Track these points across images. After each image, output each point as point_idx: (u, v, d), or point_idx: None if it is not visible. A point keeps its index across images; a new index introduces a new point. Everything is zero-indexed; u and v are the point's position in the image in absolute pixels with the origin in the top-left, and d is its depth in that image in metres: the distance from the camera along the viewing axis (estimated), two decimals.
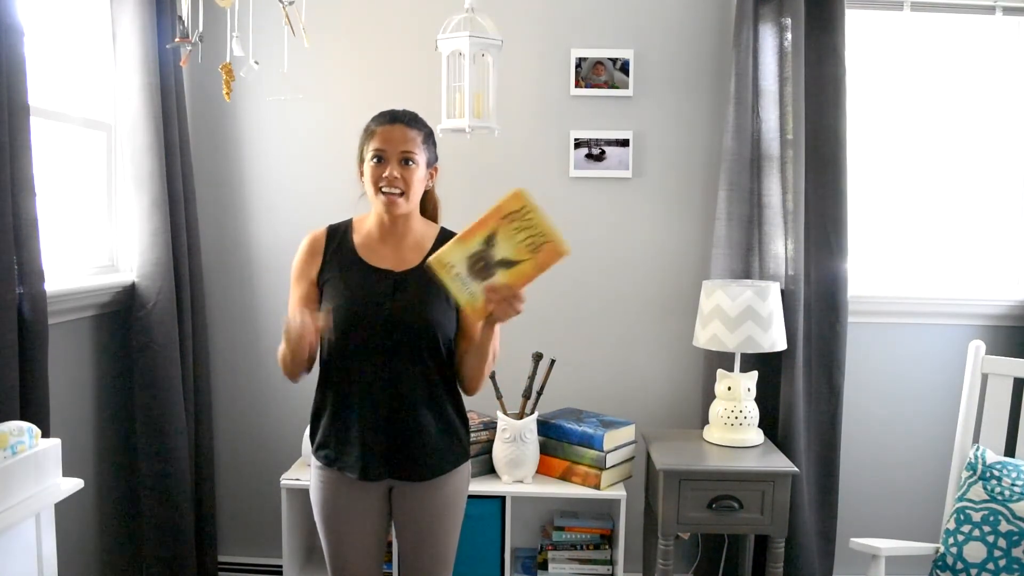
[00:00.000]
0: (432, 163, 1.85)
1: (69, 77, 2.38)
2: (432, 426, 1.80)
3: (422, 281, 1.76)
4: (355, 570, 1.87)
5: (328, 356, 1.81)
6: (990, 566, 2.14)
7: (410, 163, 1.76)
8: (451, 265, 1.60)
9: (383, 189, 1.75)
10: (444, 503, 1.87)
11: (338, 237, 1.86)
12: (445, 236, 1.85)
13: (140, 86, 2.43)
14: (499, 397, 2.60)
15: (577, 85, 2.78)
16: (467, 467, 1.92)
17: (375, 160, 1.76)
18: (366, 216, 1.87)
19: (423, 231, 1.86)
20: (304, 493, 2.78)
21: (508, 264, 1.60)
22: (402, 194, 1.76)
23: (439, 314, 1.78)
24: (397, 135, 1.76)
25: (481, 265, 1.60)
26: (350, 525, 1.85)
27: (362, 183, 1.83)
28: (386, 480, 1.83)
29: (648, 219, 2.85)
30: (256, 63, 2.09)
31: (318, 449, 1.86)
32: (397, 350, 1.76)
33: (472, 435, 1.85)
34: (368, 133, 1.80)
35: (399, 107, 1.86)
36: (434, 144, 1.86)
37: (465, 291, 1.62)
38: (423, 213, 1.92)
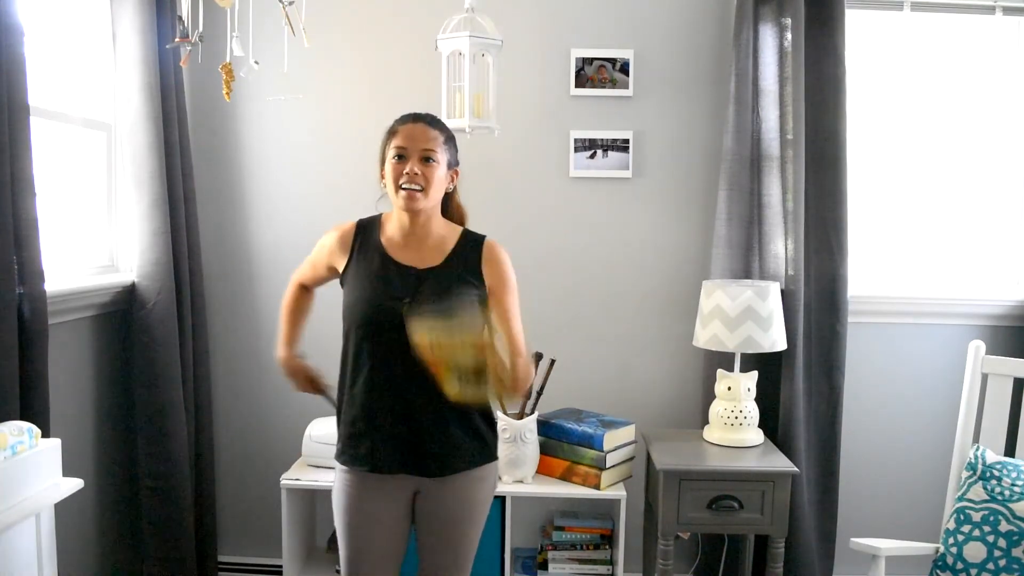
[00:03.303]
0: (453, 165, 1.86)
1: (69, 77, 2.38)
2: (452, 423, 1.79)
3: (443, 278, 1.79)
4: (372, 574, 1.85)
5: (349, 350, 1.82)
6: (990, 566, 2.14)
7: (431, 161, 1.77)
8: (460, 396, 1.64)
9: (403, 185, 1.76)
10: (468, 505, 1.85)
11: (365, 232, 1.88)
12: (467, 237, 1.87)
13: (140, 86, 2.43)
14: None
15: (582, 85, 2.78)
16: (492, 469, 1.90)
17: (396, 158, 1.78)
18: (391, 214, 1.88)
19: (445, 233, 1.86)
20: (304, 493, 2.79)
21: (478, 380, 1.62)
22: (422, 190, 1.76)
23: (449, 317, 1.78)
24: (418, 133, 1.78)
25: (473, 377, 1.62)
26: (372, 529, 1.83)
27: (382, 185, 1.84)
28: (403, 476, 1.81)
29: (648, 219, 2.85)
30: (256, 63, 2.08)
31: (345, 447, 1.86)
32: (397, 342, 1.74)
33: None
34: (390, 133, 1.83)
35: (407, 108, 1.88)
36: (455, 147, 1.87)
37: (492, 392, 1.65)
38: (447, 215, 1.91)
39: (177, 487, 2.55)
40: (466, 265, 1.84)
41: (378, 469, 1.80)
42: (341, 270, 1.87)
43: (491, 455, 1.88)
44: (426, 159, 1.77)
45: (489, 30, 2.40)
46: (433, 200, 1.80)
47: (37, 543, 1.67)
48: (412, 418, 1.78)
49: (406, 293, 1.77)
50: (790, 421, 2.66)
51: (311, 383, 2.04)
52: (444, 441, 1.79)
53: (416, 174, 1.75)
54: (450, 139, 1.85)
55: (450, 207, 1.93)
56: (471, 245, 1.87)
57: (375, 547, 1.84)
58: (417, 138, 1.77)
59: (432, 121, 1.83)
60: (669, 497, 2.35)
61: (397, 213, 1.83)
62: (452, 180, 1.87)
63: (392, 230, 1.86)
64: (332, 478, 2.57)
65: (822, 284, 2.70)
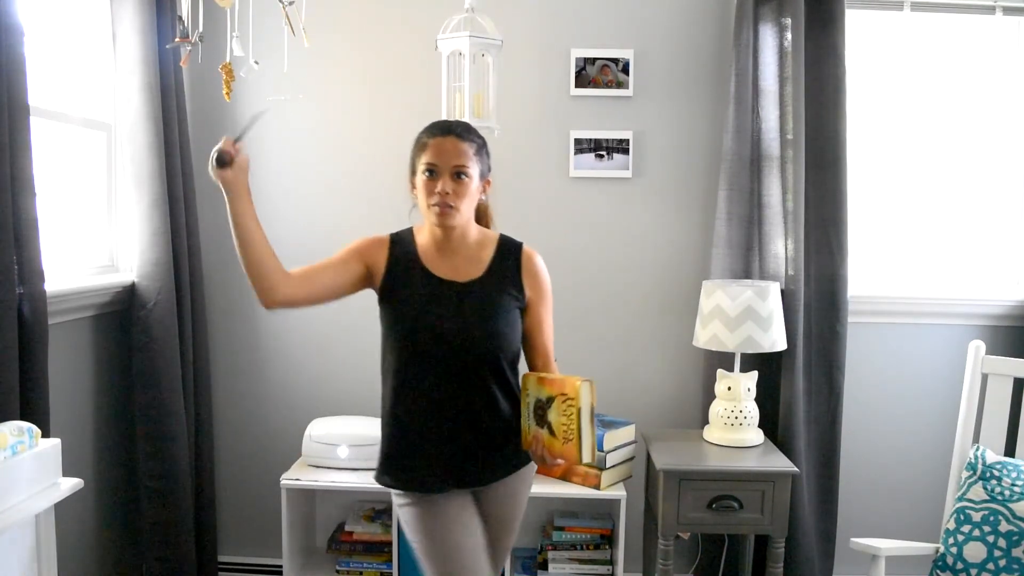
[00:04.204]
0: (485, 174, 1.82)
1: (69, 77, 2.39)
2: (495, 435, 1.79)
3: (485, 292, 1.78)
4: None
5: (391, 369, 1.79)
6: (990, 566, 2.14)
7: (463, 176, 1.73)
8: (527, 393, 1.74)
9: (435, 203, 1.73)
10: (514, 504, 1.90)
11: (400, 246, 1.83)
12: (504, 245, 1.85)
13: (140, 86, 2.43)
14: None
15: (584, 85, 2.77)
16: (532, 467, 1.93)
17: (427, 174, 1.73)
18: (423, 226, 1.85)
19: (481, 240, 1.84)
20: (304, 493, 2.79)
21: (550, 430, 1.67)
22: (453, 207, 1.73)
23: (504, 325, 1.78)
24: (449, 148, 1.72)
25: (540, 413, 1.69)
26: (455, 534, 1.78)
27: (413, 195, 1.81)
28: (459, 489, 1.81)
29: (648, 219, 2.85)
30: (256, 63, 2.09)
31: (388, 468, 1.82)
32: (463, 360, 1.75)
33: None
34: (420, 145, 1.77)
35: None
36: (487, 154, 1.82)
37: (525, 421, 1.75)
38: (477, 222, 1.89)
39: (177, 487, 2.55)
40: (507, 277, 1.82)
41: (431, 490, 1.78)
42: (379, 283, 1.80)
43: (528, 457, 1.87)
44: (457, 175, 1.73)
45: (489, 30, 2.40)
46: (466, 214, 1.77)
47: (37, 543, 1.67)
48: (459, 436, 1.77)
49: (449, 310, 1.75)
50: (790, 421, 2.66)
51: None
52: (491, 453, 1.80)
53: (447, 193, 1.72)
54: (482, 148, 1.80)
55: (480, 211, 1.90)
56: (510, 254, 1.85)
57: (467, 549, 1.79)
58: (448, 154, 1.72)
59: (463, 133, 1.76)
60: (669, 497, 2.35)
61: (430, 226, 1.80)
62: (484, 190, 1.84)
63: (427, 243, 1.82)
64: (331, 478, 2.60)
65: (822, 284, 2.70)
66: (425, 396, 1.76)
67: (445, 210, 1.72)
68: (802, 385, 2.68)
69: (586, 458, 1.62)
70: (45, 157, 2.18)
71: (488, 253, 1.83)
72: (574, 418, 1.61)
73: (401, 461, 1.81)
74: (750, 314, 2.43)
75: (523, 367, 1.88)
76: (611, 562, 2.67)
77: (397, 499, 1.84)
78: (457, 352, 1.74)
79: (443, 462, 1.78)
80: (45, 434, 1.84)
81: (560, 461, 1.69)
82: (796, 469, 2.37)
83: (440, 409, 1.76)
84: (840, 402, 2.73)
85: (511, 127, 2.71)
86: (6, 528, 1.53)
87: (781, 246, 2.68)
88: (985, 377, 2.40)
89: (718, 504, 2.35)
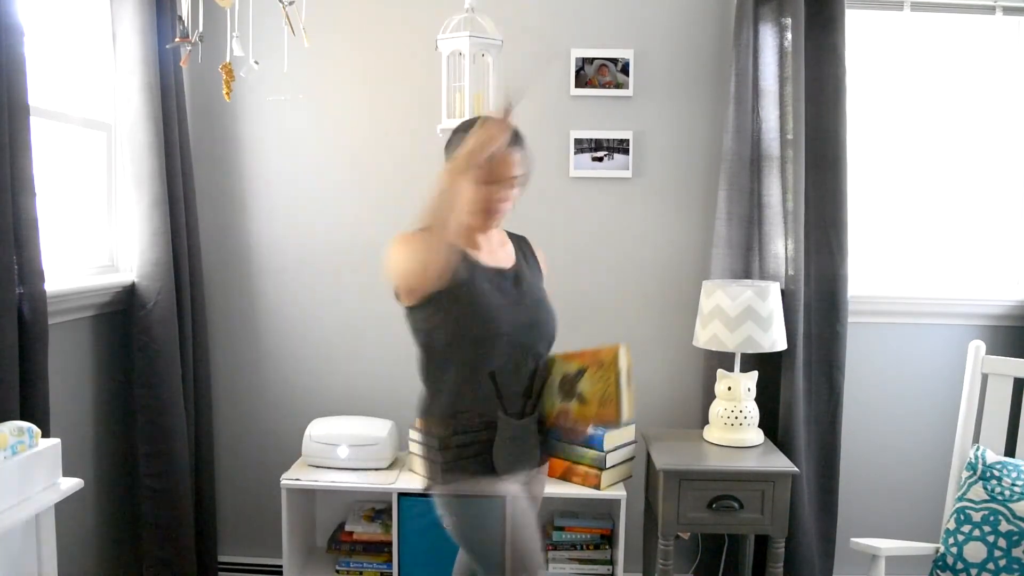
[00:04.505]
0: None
1: (69, 77, 2.39)
2: (545, 414, 1.86)
3: (530, 277, 1.88)
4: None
5: (455, 360, 1.77)
6: (990, 566, 2.14)
7: (517, 185, 1.82)
8: (550, 373, 1.83)
9: (487, 208, 1.79)
10: (543, 486, 2.03)
11: None
12: (513, 235, 1.97)
13: (140, 86, 2.43)
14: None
15: (584, 85, 2.77)
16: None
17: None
18: None
19: (499, 234, 1.93)
20: (304, 493, 2.78)
21: (581, 400, 1.76)
22: (501, 213, 1.82)
23: (551, 306, 1.90)
24: (511, 160, 1.78)
25: (568, 387, 1.77)
26: (526, 512, 1.83)
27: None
28: (522, 473, 1.85)
29: (648, 219, 2.85)
30: (256, 63, 2.09)
31: (451, 460, 1.78)
32: (531, 342, 1.81)
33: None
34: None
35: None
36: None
37: (550, 397, 1.82)
38: None
39: (177, 487, 2.55)
40: (530, 262, 1.94)
41: (503, 473, 1.78)
42: None
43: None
44: (512, 184, 1.80)
45: (489, 30, 2.40)
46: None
47: (37, 543, 1.67)
48: (526, 418, 1.81)
49: (513, 295, 1.81)
50: (790, 421, 2.66)
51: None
52: (540, 437, 1.86)
53: (505, 200, 1.79)
54: (526, 152, 1.84)
55: None
56: (523, 243, 1.97)
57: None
58: (510, 165, 1.77)
59: (521, 142, 1.81)
60: (669, 497, 2.35)
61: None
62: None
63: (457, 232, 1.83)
64: (331, 478, 2.59)
65: (822, 284, 2.70)
66: (493, 384, 1.77)
67: (495, 216, 1.81)
68: (802, 385, 2.68)
69: (625, 416, 1.72)
70: (45, 157, 2.18)
71: (508, 245, 1.92)
72: (612, 382, 1.71)
73: (474, 449, 1.78)
74: (750, 314, 2.42)
75: None
76: (611, 562, 2.67)
77: (465, 505, 1.78)
78: (525, 336, 1.79)
79: (517, 444, 1.80)
80: (45, 434, 1.84)
81: (591, 429, 1.83)
82: (796, 469, 2.37)
83: (515, 393, 1.80)
84: (840, 402, 2.73)
85: None
86: (6, 528, 1.53)
87: (781, 246, 2.68)
88: (985, 377, 2.40)
89: (718, 504, 2.35)
